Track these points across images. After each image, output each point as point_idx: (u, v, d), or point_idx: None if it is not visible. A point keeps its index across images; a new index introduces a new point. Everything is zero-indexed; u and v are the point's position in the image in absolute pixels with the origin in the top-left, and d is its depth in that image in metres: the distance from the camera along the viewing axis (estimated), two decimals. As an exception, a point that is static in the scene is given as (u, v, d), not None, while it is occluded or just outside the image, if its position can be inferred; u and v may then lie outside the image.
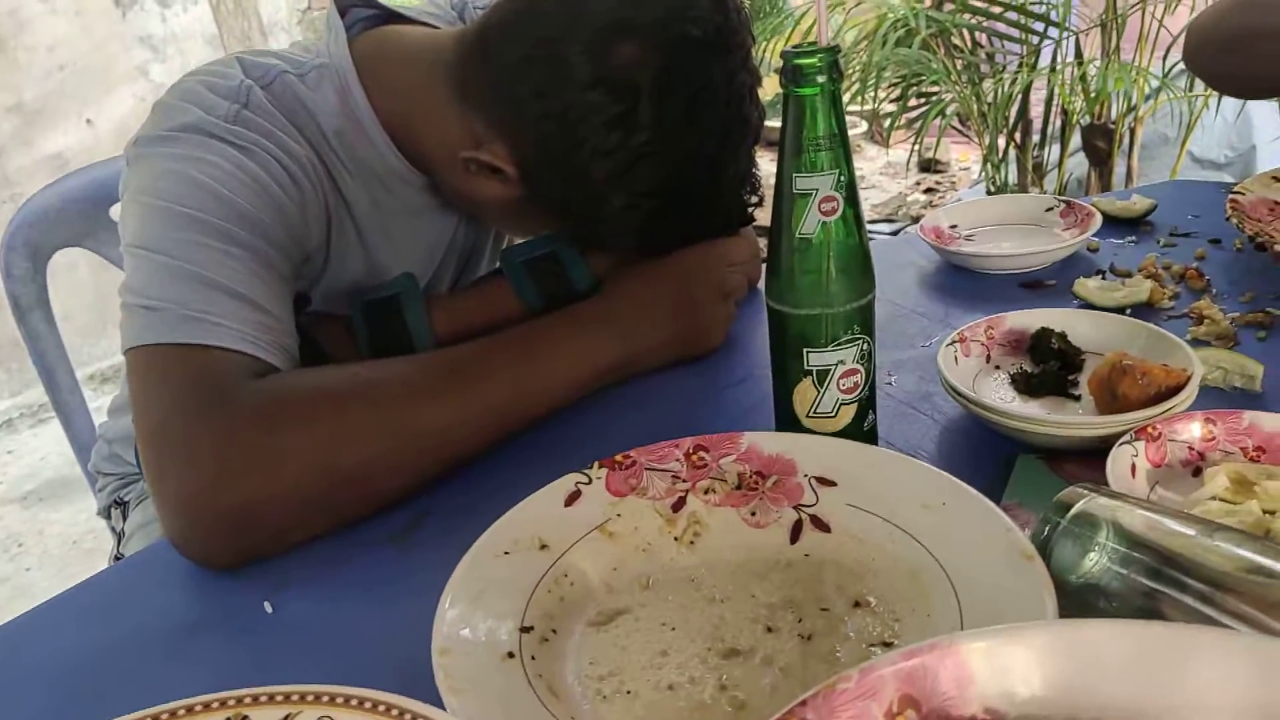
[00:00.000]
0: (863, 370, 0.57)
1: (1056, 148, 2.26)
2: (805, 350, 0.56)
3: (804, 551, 0.52)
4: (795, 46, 0.51)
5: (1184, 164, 2.44)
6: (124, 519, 0.95)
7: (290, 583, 0.58)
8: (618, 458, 0.56)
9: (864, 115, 2.43)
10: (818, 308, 0.54)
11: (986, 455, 0.60)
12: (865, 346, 0.56)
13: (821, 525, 0.53)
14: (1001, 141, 2.17)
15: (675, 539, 0.54)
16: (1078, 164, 2.27)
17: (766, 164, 0.65)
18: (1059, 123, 2.20)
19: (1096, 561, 0.45)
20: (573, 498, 0.54)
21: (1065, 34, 2.04)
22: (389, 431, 0.63)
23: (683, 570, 0.52)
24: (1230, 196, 0.80)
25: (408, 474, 0.64)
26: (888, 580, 0.49)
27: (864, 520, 0.52)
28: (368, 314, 0.77)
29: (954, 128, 2.28)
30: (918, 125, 2.18)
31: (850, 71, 2.15)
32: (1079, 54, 2.11)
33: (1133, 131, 2.11)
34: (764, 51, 2.62)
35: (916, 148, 2.44)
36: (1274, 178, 0.84)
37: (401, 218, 0.83)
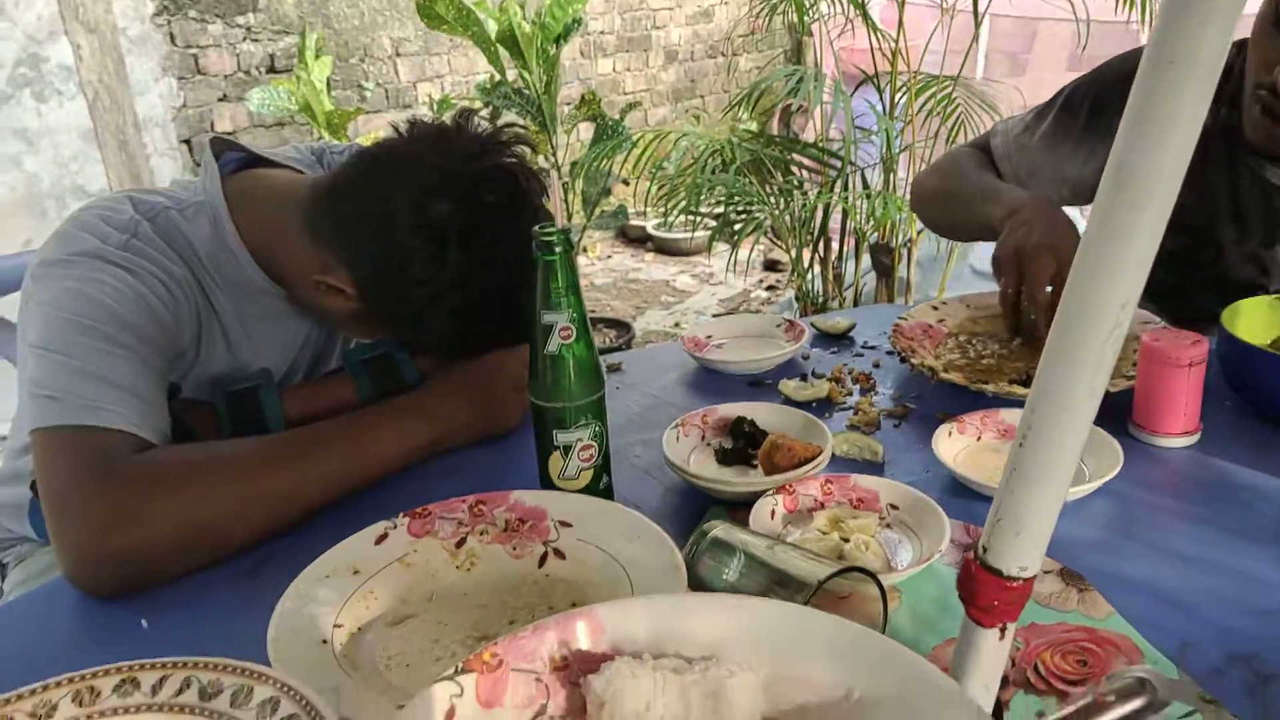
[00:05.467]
0: (596, 446, 0.80)
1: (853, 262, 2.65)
2: (554, 431, 0.79)
3: (546, 573, 0.74)
4: (542, 227, 0.75)
5: (965, 274, 2.86)
6: (3, 579, 1.08)
7: (162, 608, 0.76)
8: (417, 510, 0.77)
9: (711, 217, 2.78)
10: (561, 401, 0.78)
11: (694, 505, 0.84)
12: (598, 429, 0.80)
13: (560, 555, 0.75)
14: (806, 254, 2.53)
15: (456, 567, 0.75)
16: (871, 275, 2.65)
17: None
18: (853, 241, 2.58)
19: (736, 570, 0.69)
20: (381, 538, 0.75)
21: (851, 168, 2.43)
22: (241, 495, 0.82)
23: (459, 588, 0.73)
24: (896, 321, 1.09)
25: (256, 528, 0.82)
26: (596, 589, 0.71)
27: (587, 550, 0.74)
28: (229, 402, 0.96)
29: (770, 240, 2.62)
30: (737, 236, 2.51)
31: (680, 191, 2.47)
32: (866, 185, 2.51)
33: (909, 250, 2.50)
34: (610, 165, 2.95)
35: (753, 251, 2.78)
36: (934, 307, 1.14)
37: (263, 323, 1.03)
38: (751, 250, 3.03)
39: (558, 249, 0.75)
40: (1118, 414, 0.90)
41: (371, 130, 3.60)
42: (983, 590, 0.55)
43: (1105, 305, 0.47)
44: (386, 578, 0.72)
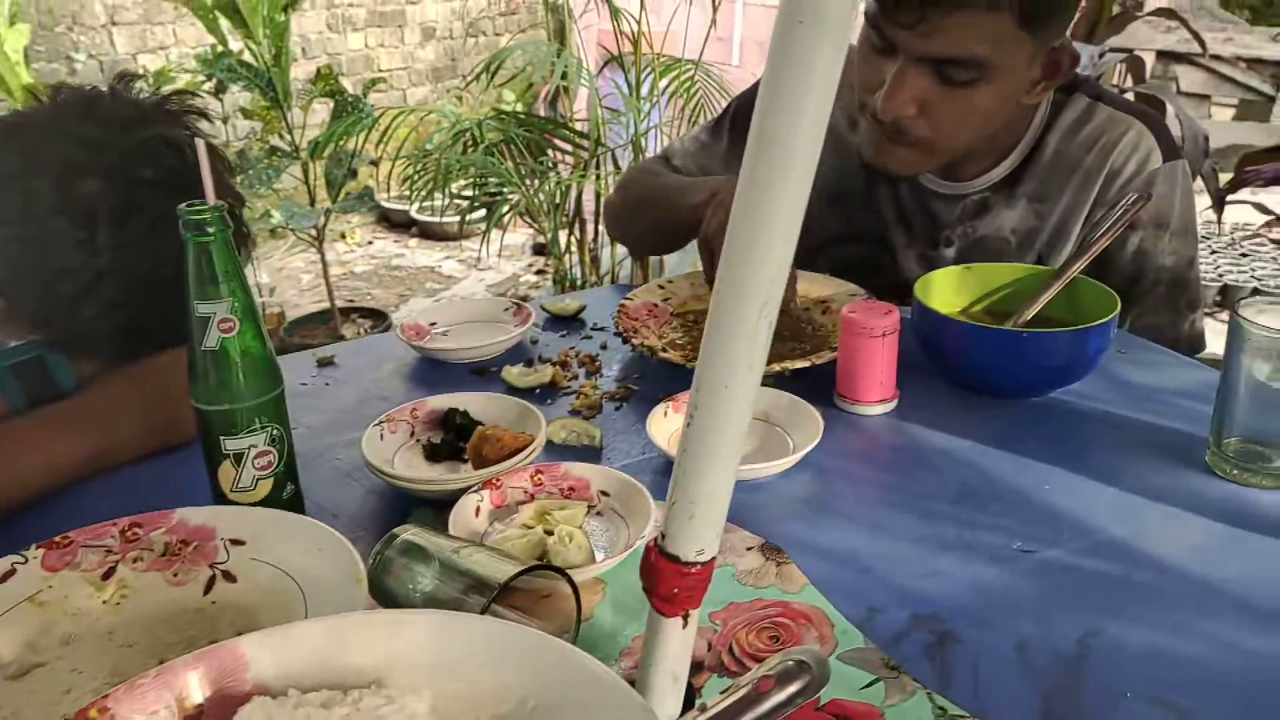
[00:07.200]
0: (275, 451, 0.71)
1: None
2: (222, 438, 0.69)
3: (213, 600, 0.65)
4: (190, 204, 0.66)
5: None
6: None
7: None
8: (56, 539, 0.66)
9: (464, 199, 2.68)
10: (227, 404, 0.69)
11: (398, 507, 0.78)
12: (276, 432, 0.71)
13: (230, 578, 0.66)
14: (564, 237, 2.51)
15: (103, 602, 0.64)
16: (629, 258, 2.67)
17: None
18: (608, 222, 2.59)
19: (431, 578, 0.63)
20: (6, 575, 0.63)
21: (602, 149, 2.42)
22: None
23: (105, 626, 0.63)
24: (621, 301, 1.07)
25: None
26: (269, 614, 0.63)
27: (262, 570, 0.66)
28: None
29: (527, 222, 2.58)
30: (490, 218, 2.45)
31: (428, 172, 2.36)
32: (617, 165, 2.52)
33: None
34: (357, 146, 2.78)
35: (507, 232, 2.72)
36: (660, 286, 1.13)
37: (-119, 324, 0.86)
38: (504, 232, 2.96)
39: (211, 229, 0.66)
40: (826, 386, 0.92)
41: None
42: (662, 579, 0.52)
43: (755, 281, 0.45)
44: (10, 622, 0.61)
